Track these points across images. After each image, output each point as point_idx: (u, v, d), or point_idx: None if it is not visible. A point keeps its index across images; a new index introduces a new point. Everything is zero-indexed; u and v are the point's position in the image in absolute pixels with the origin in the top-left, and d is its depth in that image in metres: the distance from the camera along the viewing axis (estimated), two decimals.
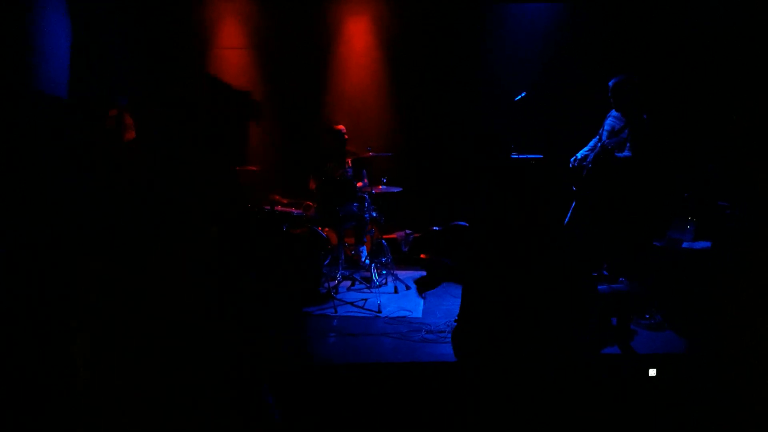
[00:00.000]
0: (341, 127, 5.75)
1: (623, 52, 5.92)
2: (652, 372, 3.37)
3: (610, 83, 4.63)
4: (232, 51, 6.76)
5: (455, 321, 2.12)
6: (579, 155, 4.88)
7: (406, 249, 6.13)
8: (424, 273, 5.61)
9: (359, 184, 5.54)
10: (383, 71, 6.77)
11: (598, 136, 4.89)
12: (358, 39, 6.74)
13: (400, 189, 5.48)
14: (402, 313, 4.49)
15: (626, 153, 4.53)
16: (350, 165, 5.78)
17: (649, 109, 4.63)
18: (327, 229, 5.36)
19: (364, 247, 5.45)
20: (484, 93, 6.46)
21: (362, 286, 5.17)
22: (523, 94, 5.27)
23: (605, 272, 5.03)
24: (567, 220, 4.81)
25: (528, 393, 2.00)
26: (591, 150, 4.85)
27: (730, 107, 5.24)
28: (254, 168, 5.88)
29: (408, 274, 5.51)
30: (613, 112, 4.74)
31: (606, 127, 4.79)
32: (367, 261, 5.35)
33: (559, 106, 5.54)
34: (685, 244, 4.29)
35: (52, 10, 5.41)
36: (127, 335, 1.37)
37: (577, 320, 2.17)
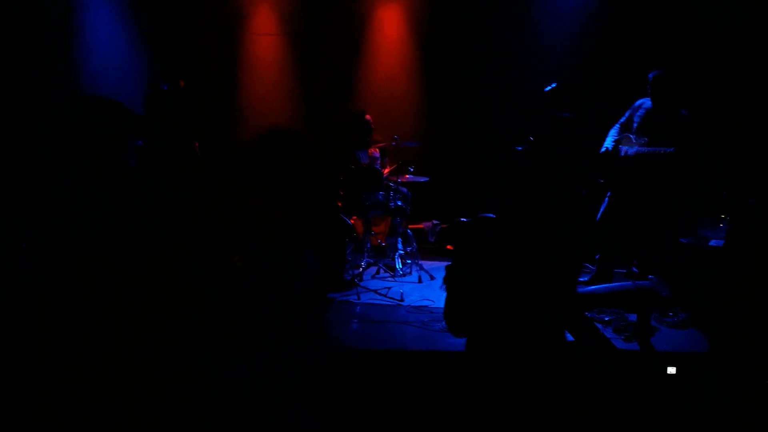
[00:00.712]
0: (368, 117, 5.79)
1: (651, 44, 5.82)
2: (671, 370, 3.36)
3: (650, 75, 4.54)
4: (265, 37, 6.84)
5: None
6: (609, 146, 4.76)
7: (433, 239, 6.17)
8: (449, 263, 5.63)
9: (385, 171, 5.59)
10: (413, 59, 6.77)
11: (619, 125, 4.79)
12: (389, 26, 6.75)
13: (427, 179, 5.51)
14: (424, 303, 4.54)
15: (667, 149, 4.43)
16: (377, 154, 5.83)
17: (688, 105, 4.55)
18: (354, 217, 5.43)
19: (399, 238, 5.46)
20: (513, 83, 6.41)
21: (386, 274, 5.24)
22: (553, 85, 5.22)
23: (635, 269, 5.00)
24: (600, 215, 4.77)
25: (530, 389, 2.03)
26: (617, 141, 4.75)
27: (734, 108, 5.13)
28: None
29: (433, 265, 5.55)
30: (646, 104, 4.65)
31: (637, 120, 4.69)
32: (401, 251, 5.36)
33: (587, 99, 5.45)
34: (712, 242, 4.23)
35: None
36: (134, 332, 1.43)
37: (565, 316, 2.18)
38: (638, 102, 4.71)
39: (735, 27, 5.38)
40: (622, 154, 4.61)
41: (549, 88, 5.19)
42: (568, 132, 5.28)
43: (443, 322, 4.02)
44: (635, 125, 4.68)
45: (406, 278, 5.15)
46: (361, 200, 5.14)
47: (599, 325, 3.88)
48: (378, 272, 5.29)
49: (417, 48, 6.76)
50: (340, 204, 5.51)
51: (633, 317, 3.88)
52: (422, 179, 5.49)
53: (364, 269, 5.16)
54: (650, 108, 4.62)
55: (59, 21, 5.01)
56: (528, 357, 2.03)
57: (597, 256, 4.94)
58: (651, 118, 4.59)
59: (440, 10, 6.59)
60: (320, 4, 6.69)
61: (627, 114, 4.75)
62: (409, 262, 5.36)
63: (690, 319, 3.96)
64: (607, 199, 4.79)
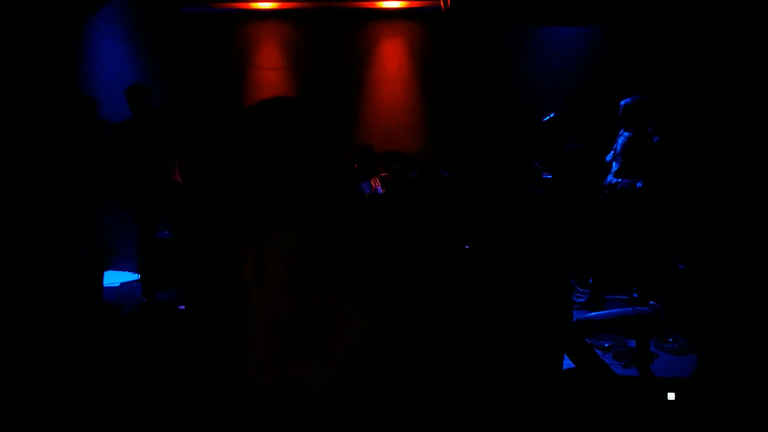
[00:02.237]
0: (371, 146, 5.89)
1: (652, 72, 5.92)
2: (671, 396, 3.34)
3: (621, 104, 4.73)
4: (270, 71, 7.00)
5: None
6: (612, 180, 4.84)
7: None
8: None
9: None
10: (415, 91, 6.90)
11: (612, 153, 4.91)
12: (391, 60, 6.90)
13: None
14: None
15: (638, 183, 4.57)
16: (379, 184, 5.90)
17: (662, 132, 4.67)
18: None
19: None
20: (515, 114, 6.50)
21: None
22: (552, 115, 5.30)
23: (635, 295, 5.00)
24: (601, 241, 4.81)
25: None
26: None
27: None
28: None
29: None
30: (626, 132, 4.78)
31: (618, 148, 4.83)
32: None
33: (586, 127, 5.53)
34: None
35: (105, 31, 5.72)
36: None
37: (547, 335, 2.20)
38: (621, 130, 4.86)
39: (731, 51, 5.47)
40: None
41: (548, 117, 5.27)
42: (570, 162, 5.36)
43: None
44: (618, 153, 4.80)
45: None
46: None
47: (599, 351, 3.88)
48: None
49: (419, 80, 6.89)
50: None
51: (633, 343, 3.87)
52: None
53: None
54: (629, 137, 4.75)
55: (67, 54, 5.18)
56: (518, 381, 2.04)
57: (590, 280, 4.95)
58: (629, 145, 4.72)
59: (442, 43, 6.73)
60: (324, 38, 6.87)
61: (616, 142, 4.90)
62: None
63: (689, 345, 3.95)
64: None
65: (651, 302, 4.60)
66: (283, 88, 7.03)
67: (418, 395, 2.10)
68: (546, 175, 5.40)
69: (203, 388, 1.46)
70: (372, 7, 6.76)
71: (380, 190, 5.89)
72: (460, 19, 6.23)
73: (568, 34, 6.50)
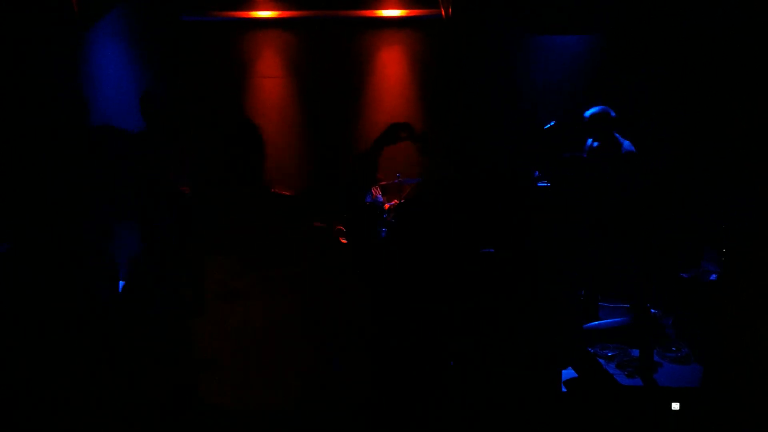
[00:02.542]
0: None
1: (651, 79, 5.96)
2: (675, 406, 3.32)
3: (586, 115, 4.87)
4: (269, 79, 7.00)
5: None
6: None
7: None
8: None
9: (385, 207, 5.65)
10: (415, 99, 6.90)
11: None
12: (391, 68, 6.91)
13: None
14: None
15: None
16: (380, 192, 5.89)
17: (633, 139, 4.81)
18: None
19: None
20: (515, 122, 6.50)
21: None
22: (552, 123, 5.29)
23: (637, 304, 4.97)
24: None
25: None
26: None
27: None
28: (288, 193, 6.04)
29: None
30: (595, 144, 4.97)
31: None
32: None
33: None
34: (713, 276, 4.21)
35: (106, 39, 5.72)
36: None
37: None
38: (588, 141, 4.96)
39: (730, 52, 5.49)
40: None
41: (549, 125, 5.26)
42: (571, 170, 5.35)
43: None
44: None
45: None
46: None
47: (602, 361, 3.85)
48: None
49: (419, 88, 6.90)
50: (343, 240, 5.53)
51: (636, 352, 3.85)
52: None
53: None
54: (597, 147, 4.92)
55: (67, 62, 5.17)
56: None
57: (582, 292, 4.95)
58: (599, 155, 4.78)
59: (441, 51, 6.74)
60: (323, 46, 6.87)
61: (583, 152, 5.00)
62: None
63: (693, 354, 3.92)
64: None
65: (652, 311, 4.58)
66: (282, 96, 7.03)
67: (409, 399, 2.09)
68: (542, 183, 5.43)
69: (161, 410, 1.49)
70: (372, 15, 6.77)
71: (381, 198, 5.88)
72: (461, 27, 6.25)
73: (567, 41, 6.51)
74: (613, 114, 4.83)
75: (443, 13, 6.14)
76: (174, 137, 5.15)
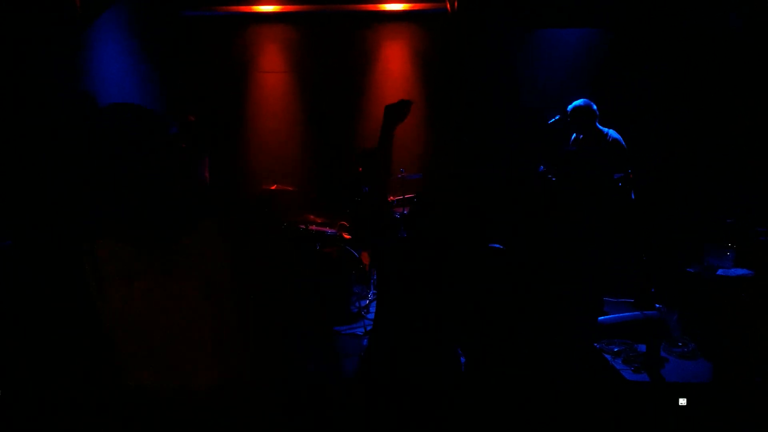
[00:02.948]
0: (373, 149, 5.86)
1: (654, 74, 5.95)
2: (683, 401, 3.31)
3: (569, 108, 5.03)
4: (271, 74, 6.98)
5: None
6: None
7: None
8: None
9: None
10: (417, 93, 6.87)
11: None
12: (393, 63, 6.88)
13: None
14: None
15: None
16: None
17: (617, 128, 4.92)
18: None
19: None
20: (517, 116, 6.49)
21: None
22: (557, 117, 5.27)
23: (642, 298, 4.96)
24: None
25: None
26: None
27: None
28: (291, 188, 6.03)
29: None
30: (579, 137, 5.09)
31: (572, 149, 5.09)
32: None
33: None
34: (720, 272, 4.20)
35: (107, 35, 5.69)
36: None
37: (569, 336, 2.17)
38: (573, 136, 5.09)
39: (733, 49, 5.48)
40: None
41: (553, 120, 5.24)
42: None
43: None
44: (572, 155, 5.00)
45: None
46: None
47: (608, 356, 3.84)
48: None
49: (421, 83, 6.87)
50: (347, 236, 5.52)
51: (642, 348, 3.84)
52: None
53: (371, 301, 5.15)
54: (581, 139, 5.06)
55: (69, 59, 5.14)
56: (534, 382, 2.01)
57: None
58: (584, 146, 4.95)
59: (445, 45, 6.71)
60: (326, 41, 6.84)
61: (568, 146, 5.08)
62: None
63: (699, 349, 3.91)
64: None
65: (657, 305, 4.57)
66: (284, 91, 7.01)
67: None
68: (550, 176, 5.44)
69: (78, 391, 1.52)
70: (374, 9, 6.73)
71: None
72: (465, 21, 6.21)
73: (570, 35, 6.48)
74: (593, 106, 4.98)
75: (448, 7, 6.10)
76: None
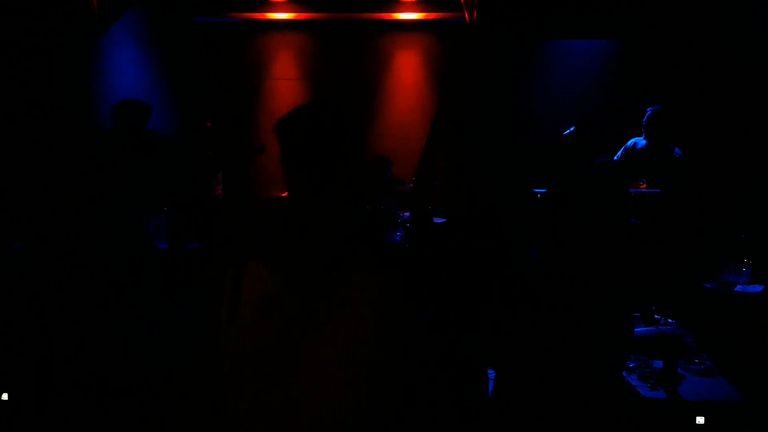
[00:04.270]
0: (385, 155, 5.85)
1: (668, 86, 5.91)
2: (700, 420, 3.24)
3: (649, 110, 4.75)
4: (284, 82, 6.97)
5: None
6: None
7: None
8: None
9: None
10: (430, 102, 6.85)
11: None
12: (406, 71, 6.87)
13: (444, 220, 5.48)
14: None
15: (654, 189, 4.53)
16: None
17: (681, 144, 4.64)
18: None
19: None
20: (530, 126, 6.45)
21: None
22: (572, 128, 5.22)
23: (655, 314, 4.88)
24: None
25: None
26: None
27: None
28: None
29: None
30: (640, 143, 4.83)
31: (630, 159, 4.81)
32: None
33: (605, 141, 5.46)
34: (738, 287, 4.13)
35: (121, 40, 5.71)
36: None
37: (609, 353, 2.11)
38: (631, 141, 4.82)
39: (753, 58, 5.43)
40: None
41: (568, 131, 5.19)
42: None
43: None
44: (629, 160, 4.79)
45: None
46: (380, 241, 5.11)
47: (623, 372, 3.77)
48: None
49: (434, 92, 6.85)
50: None
51: (657, 363, 3.77)
52: (440, 220, 5.45)
53: None
54: (644, 147, 4.69)
55: (80, 67, 5.15)
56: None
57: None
58: (645, 157, 4.66)
59: (456, 56, 6.70)
60: (339, 49, 6.84)
61: (619, 154, 4.85)
62: None
63: (716, 366, 3.83)
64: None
65: (669, 321, 4.50)
66: (297, 98, 7.00)
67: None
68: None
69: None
70: (388, 18, 6.73)
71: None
72: (483, 31, 6.18)
73: (585, 46, 6.45)
74: (670, 115, 4.73)
75: (467, 16, 6.07)
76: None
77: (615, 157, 4.96)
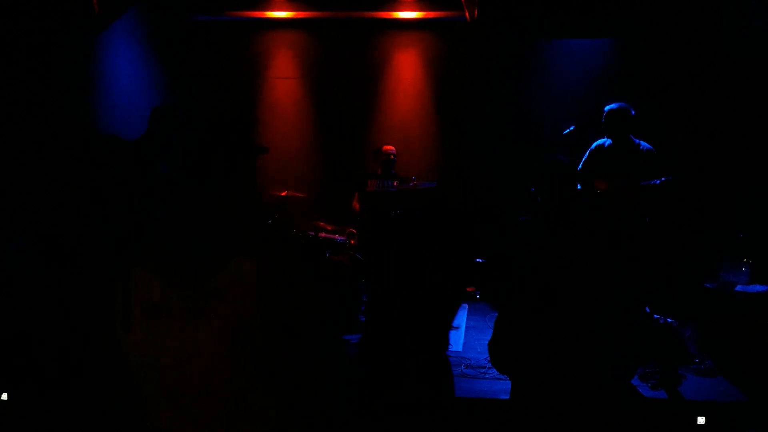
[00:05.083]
0: (389, 148, 5.84)
1: (669, 83, 5.90)
2: (701, 420, 3.24)
3: (606, 109, 4.72)
4: (283, 80, 6.96)
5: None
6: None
7: None
8: (465, 305, 5.57)
9: None
10: (429, 102, 6.84)
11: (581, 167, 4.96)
12: (406, 70, 6.85)
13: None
14: None
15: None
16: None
17: (649, 138, 4.73)
18: None
19: None
20: (530, 126, 6.44)
21: None
22: (572, 128, 5.21)
23: (655, 315, 4.88)
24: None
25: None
26: None
27: None
28: (302, 195, 5.99)
29: None
30: (607, 143, 4.84)
31: (599, 161, 4.83)
32: None
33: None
34: (738, 287, 4.13)
35: (119, 39, 5.69)
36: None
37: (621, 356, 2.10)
38: (596, 143, 4.85)
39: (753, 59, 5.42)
40: None
41: (568, 130, 5.18)
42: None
43: (462, 367, 3.95)
44: (594, 162, 4.82)
45: None
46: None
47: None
48: None
49: (433, 91, 6.84)
50: (354, 243, 5.48)
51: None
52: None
53: None
54: (610, 145, 4.77)
55: (79, 67, 5.13)
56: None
57: None
58: (612, 155, 4.67)
59: (457, 55, 6.68)
60: (338, 48, 6.82)
61: (586, 156, 4.86)
62: None
63: (717, 366, 3.83)
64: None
65: (668, 320, 4.49)
66: (296, 97, 6.99)
67: None
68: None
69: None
70: (388, 17, 6.72)
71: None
72: (484, 30, 6.17)
73: (585, 45, 6.44)
74: (632, 112, 4.70)
75: (467, 15, 6.05)
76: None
77: (581, 161, 4.96)
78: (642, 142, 4.74)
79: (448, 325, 2.41)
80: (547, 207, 2.43)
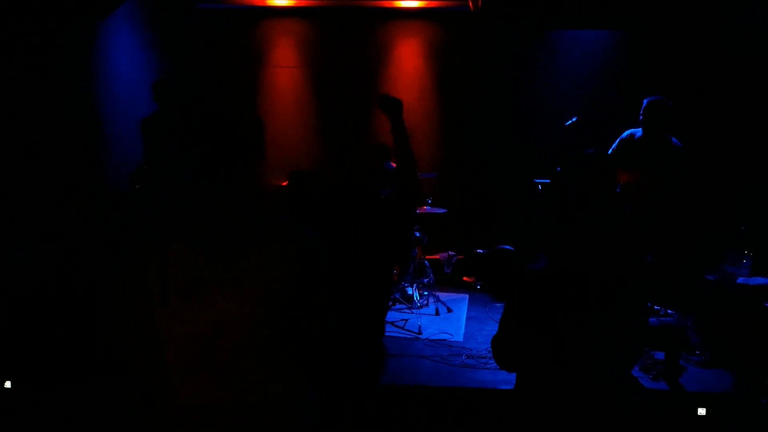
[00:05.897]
0: (387, 145, 5.81)
1: (673, 78, 5.87)
2: (702, 411, 3.25)
3: (645, 101, 4.59)
4: (284, 69, 6.92)
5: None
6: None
7: (449, 270, 6.10)
8: (466, 296, 5.57)
9: None
10: (431, 92, 6.81)
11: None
12: (407, 60, 6.81)
13: (444, 210, 5.47)
14: (442, 336, 4.45)
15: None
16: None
17: (680, 136, 4.62)
18: None
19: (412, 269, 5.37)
20: (532, 117, 6.42)
21: (403, 305, 5.16)
22: (574, 119, 5.19)
23: (656, 306, 4.88)
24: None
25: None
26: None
27: None
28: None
29: (449, 296, 5.46)
30: (637, 134, 4.71)
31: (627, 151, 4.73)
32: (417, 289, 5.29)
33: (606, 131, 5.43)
34: (740, 280, 4.12)
35: (121, 26, 5.65)
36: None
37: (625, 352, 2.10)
38: (627, 132, 4.78)
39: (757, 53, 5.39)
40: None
41: (570, 122, 5.16)
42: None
43: (463, 357, 3.96)
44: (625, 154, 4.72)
45: (423, 310, 5.07)
46: None
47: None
48: (394, 303, 5.22)
49: (435, 81, 6.80)
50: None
51: (659, 355, 3.77)
52: (440, 210, 5.45)
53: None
54: (641, 137, 4.65)
55: (80, 54, 5.09)
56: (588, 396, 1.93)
57: None
58: (643, 148, 4.61)
59: (459, 45, 6.65)
60: (340, 37, 6.78)
61: (615, 145, 4.80)
62: (426, 293, 5.28)
63: (718, 358, 3.84)
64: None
65: (669, 311, 4.49)
66: (297, 86, 6.95)
67: None
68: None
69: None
70: (389, 6, 6.67)
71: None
72: (486, 20, 6.12)
73: (588, 37, 6.41)
74: (670, 104, 4.56)
75: (470, 5, 6.01)
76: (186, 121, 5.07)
77: (610, 149, 4.90)
78: (674, 138, 4.63)
79: (382, 312, 2.48)
80: (562, 201, 2.42)
